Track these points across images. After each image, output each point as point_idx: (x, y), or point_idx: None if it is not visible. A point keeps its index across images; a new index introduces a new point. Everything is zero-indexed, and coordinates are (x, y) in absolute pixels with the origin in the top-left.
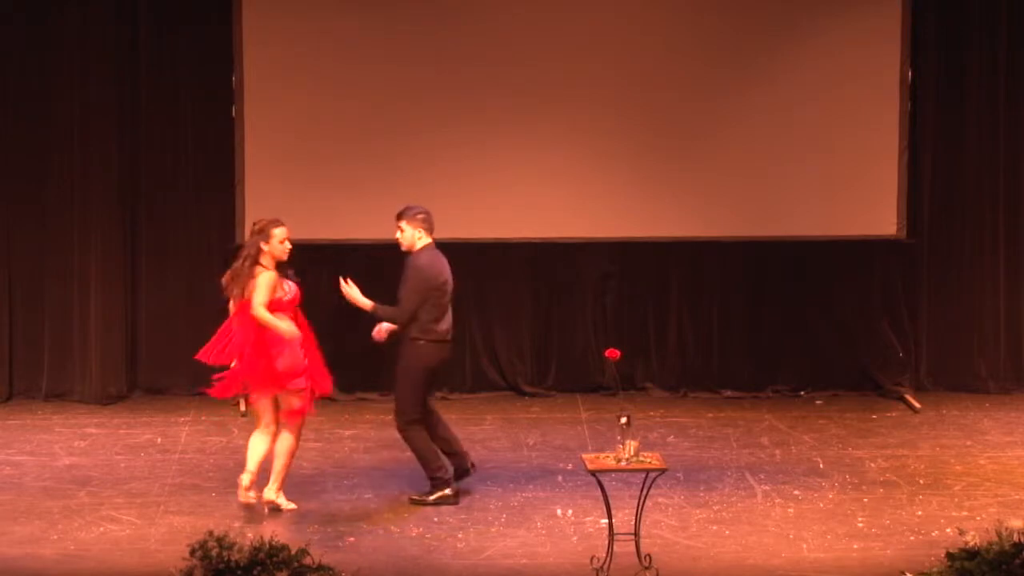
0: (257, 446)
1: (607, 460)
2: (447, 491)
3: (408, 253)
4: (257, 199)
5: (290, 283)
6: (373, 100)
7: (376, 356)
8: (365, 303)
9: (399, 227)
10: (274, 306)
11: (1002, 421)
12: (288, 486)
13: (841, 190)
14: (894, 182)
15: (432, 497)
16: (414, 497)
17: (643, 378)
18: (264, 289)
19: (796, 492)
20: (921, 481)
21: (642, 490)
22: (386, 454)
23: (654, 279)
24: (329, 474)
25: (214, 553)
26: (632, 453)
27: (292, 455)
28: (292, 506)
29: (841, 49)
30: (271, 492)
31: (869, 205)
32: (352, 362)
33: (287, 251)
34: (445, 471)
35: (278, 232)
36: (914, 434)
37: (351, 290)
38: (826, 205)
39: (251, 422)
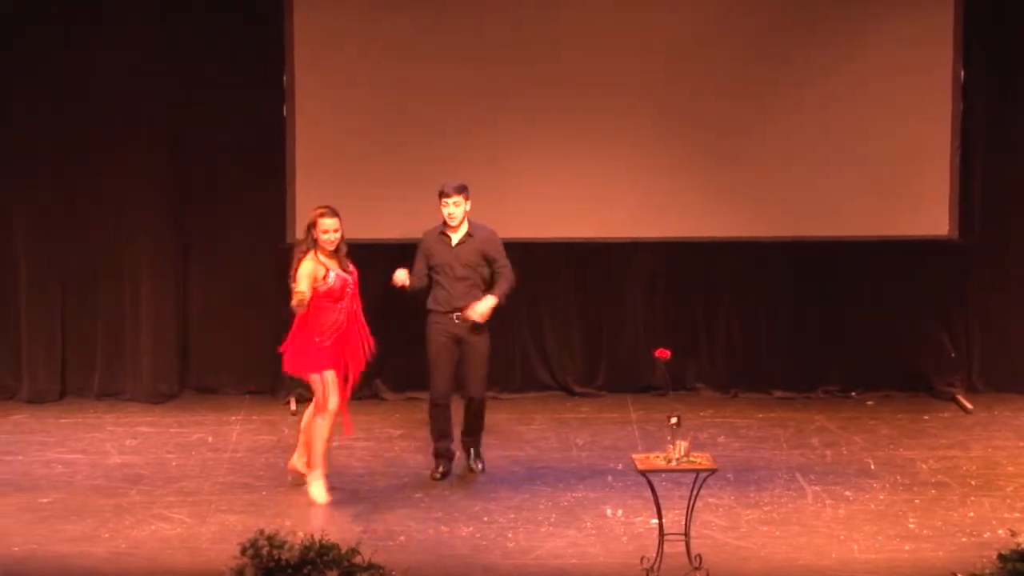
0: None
1: (657, 460)
2: None
3: (450, 227)
4: (307, 198)
5: (336, 275)
6: (423, 99)
7: (424, 355)
8: (490, 303)
9: (456, 202)
10: (315, 295)
11: None
12: (339, 484)
13: (892, 190)
14: (946, 181)
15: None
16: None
17: (693, 378)
18: (303, 280)
19: (847, 493)
20: (973, 482)
21: (692, 490)
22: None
23: (704, 279)
24: (379, 473)
25: (265, 552)
26: (682, 453)
27: (320, 441)
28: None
29: (892, 47)
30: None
31: (921, 205)
32: (402, 362)
33: (330, 241)
34: None
35: (321, 222)
36: (966, 435)
37: (479, 308)
38: (877, 205)
39: (301, 420)
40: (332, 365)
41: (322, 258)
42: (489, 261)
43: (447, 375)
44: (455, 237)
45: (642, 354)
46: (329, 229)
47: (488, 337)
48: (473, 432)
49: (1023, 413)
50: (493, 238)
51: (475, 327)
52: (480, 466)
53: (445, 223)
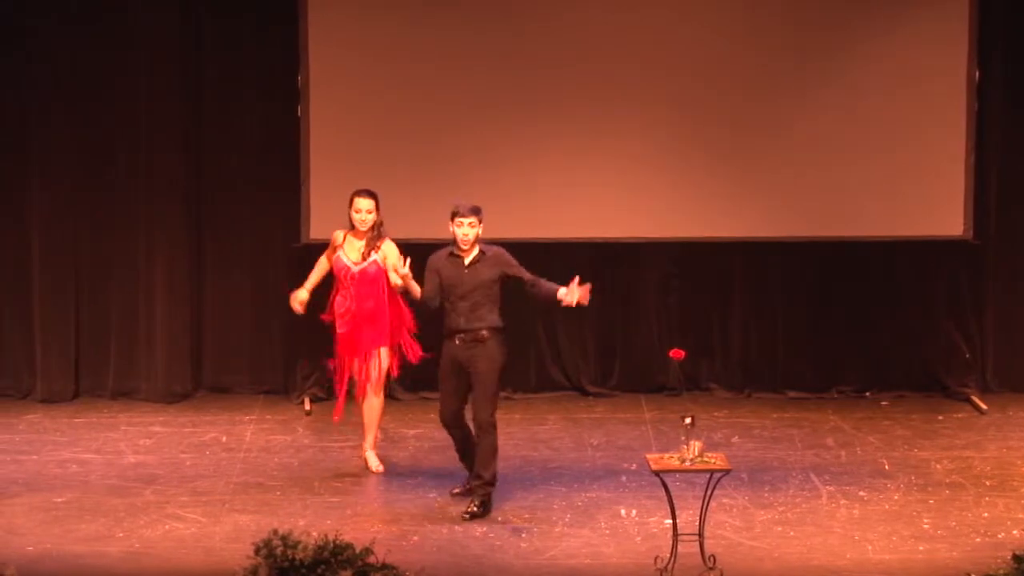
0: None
1: (671, 460)
2: None
3: (461, 249)
4: (322, 198)
5: (340, 257)
6: (437, 99)
7: (438, 356)
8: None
9: (471, 223)
10: (335, 272)
11: None
12: (352, 484)
13: (907, 190)
14: (961, 182)
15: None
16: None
17: (707, 378)
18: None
19: (861, 493)
20: (987, 483)
21: (706, 491)
22: (450, 453)
23: (718, 279)
24: (393, 473)
25: (279, 551)
26: (696, 453)
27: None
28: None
29: (907, 48)
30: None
31: (935, 205)
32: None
33: (361, 221)
34: None
35: (356, 201)
36: (980, 435)
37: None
38: (892, 205)
39: (315, 421)
40: (344, 351)
41: (351, 239)
42: (508, 276)
43: (451, 400)
44: (467, 259)
45: (656, 354)
46: (361, 209)
47: (494, 359)
48: (481, 467)
49: None
50: (504, 254)
51: (481, 350)
52: (473, 513)
53: (456, 243)
